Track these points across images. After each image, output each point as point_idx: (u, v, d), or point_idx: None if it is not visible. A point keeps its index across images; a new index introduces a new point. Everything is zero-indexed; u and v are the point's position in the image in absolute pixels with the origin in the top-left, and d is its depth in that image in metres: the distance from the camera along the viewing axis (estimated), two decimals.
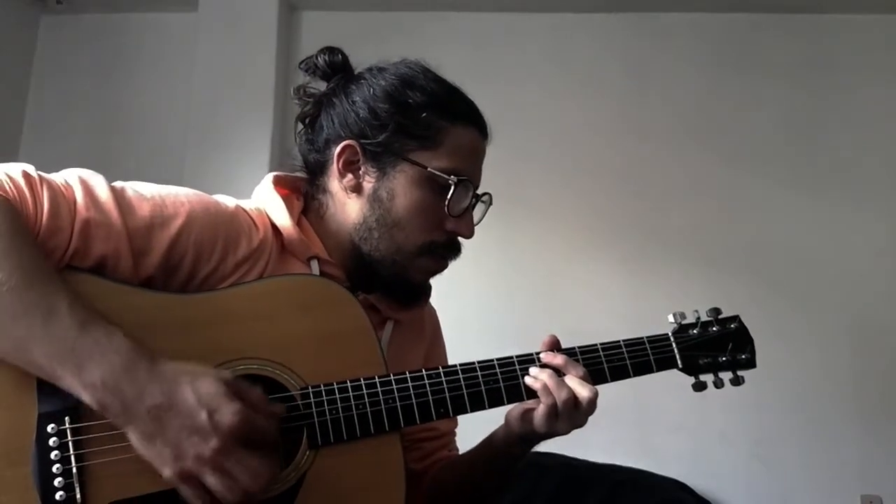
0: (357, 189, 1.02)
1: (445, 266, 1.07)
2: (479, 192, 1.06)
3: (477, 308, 2.86)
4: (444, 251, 1.04)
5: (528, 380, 0.97)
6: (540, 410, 0.95)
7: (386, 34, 3.05)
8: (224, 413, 0.76)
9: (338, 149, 1.01)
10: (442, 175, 0.99)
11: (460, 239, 1.05)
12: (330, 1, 3.16)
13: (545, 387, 0.95)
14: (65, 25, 3.23)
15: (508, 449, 1.04)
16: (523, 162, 3.01)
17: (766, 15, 3.08)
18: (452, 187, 0.99)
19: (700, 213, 2.97)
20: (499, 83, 3.06)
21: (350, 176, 1.02)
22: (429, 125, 1.00)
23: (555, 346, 1.01)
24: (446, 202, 1.00)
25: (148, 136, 3.10)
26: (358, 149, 1.01)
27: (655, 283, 2.86)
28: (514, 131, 3.04)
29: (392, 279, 1.03)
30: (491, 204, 1.08)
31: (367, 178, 1.01)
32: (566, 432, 0.97)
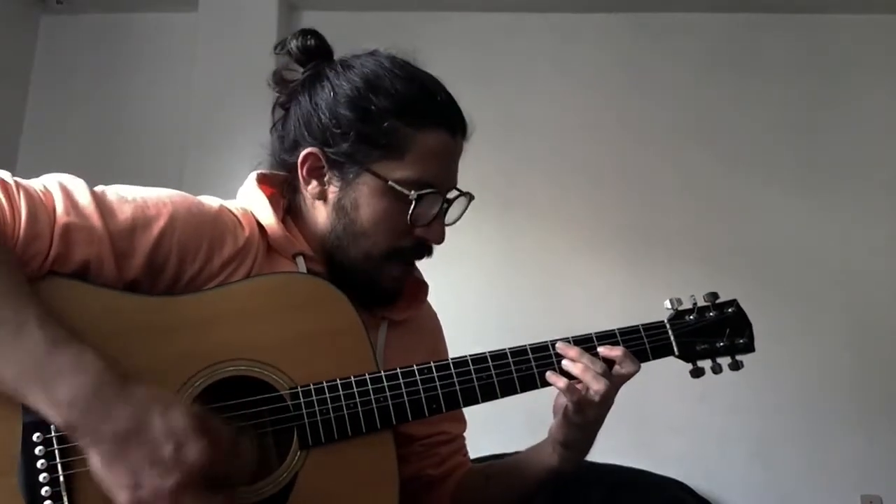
0: (322, 196, 1.00)
1: (412, 271, 1.06)
2: (460, 188, 1.03)
3: (477, 308, 2.85)
4: (412, 256, 1.03)
5: (566, 363, 0.96)
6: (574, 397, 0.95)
7: (386, 34, 3.01)
8: (190, 449, 0.73)
9: (301, 156, 0.99)
10: (402, 190, 0.96)
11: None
12: (330, 1, 3.16)
13: (585, 369, 0.95)
14: (65, 25, 3.23)
15: (539, 456, 1.05)
16: (522, 162, 3.02)
17: (766, 15, 3.08)
18: (413, 203, 0.96)
19: (700, 213, 2.96)
20: (498, 83, 3.07)
21: (315, 183, 1.00)
22: (392, 133, 0.96)
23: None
24: (409, 215, 0.96)
25: (148, 136, 3.09)
26: (321, 157, 0.98)
27: (655, 283, 2.85)
28: (514, 131, 3.04)
29: (363, 285, 1.01)
30: (472, 199, 1.04)
31: (331, 186, 0.99)
32: (596, 416, 0.97)
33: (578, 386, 0.96)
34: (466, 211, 1.05)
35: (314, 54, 1.04)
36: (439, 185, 0.99)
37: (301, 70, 1.05)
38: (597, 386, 0.94)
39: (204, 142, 2.93)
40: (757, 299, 2.86)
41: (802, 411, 2.78)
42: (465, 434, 1.19)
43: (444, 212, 1.02)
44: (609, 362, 0.98)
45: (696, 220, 2.96)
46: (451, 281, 2.76)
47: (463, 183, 1.08)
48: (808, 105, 3.01)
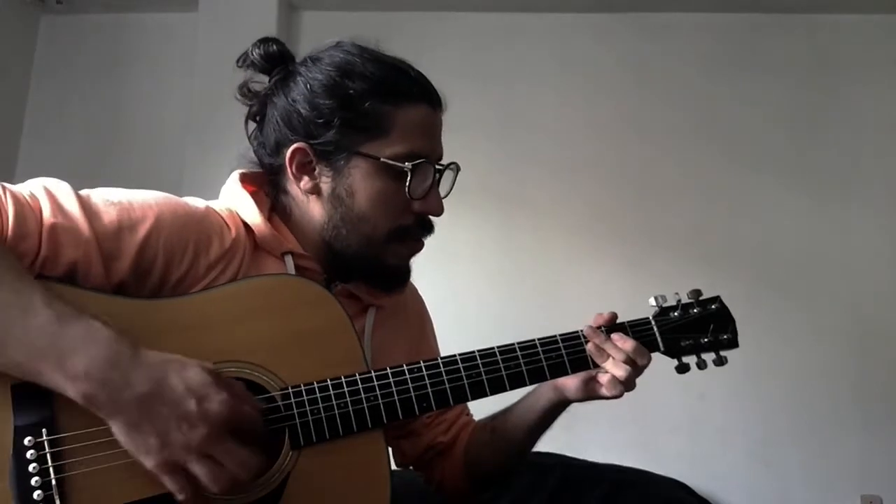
0: (315, 190, 1.00)
1: (421, 247, 1.05)
2: (445, 161, 1.04)
3: (477, 307, 2.86)
4: (415, 233, 1.03)
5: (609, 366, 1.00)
6: (606, 378, 1.00)
7: (386, 34, 3.00)
8: (213, 401, 0.76)
9: (288, 153, 0.99)
10: (396, 164, 0.97)
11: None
12: (330, 1, 3.16)
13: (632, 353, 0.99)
14: (65, 25, 3.23)
15: (553, 413, 1.08)
16: (523, 161, 3.02)
17: (766, 15, 3.08)
18: (409, 174, 0.97)
19: (700, 213, 2.96)
20: (499, 83, 3.07)
21: (306, 178, 1.00)
22: (374, 113, 0.97)
23: (613, 320, 1.04)
24: (406, 188, 0.98)
25: (148, 137, 3.10)
26: (308, 150, 0.98)
27: (655, 282, 2.82)
28: (514, 131, 3.04)
29: (368, 270, 1.03)
30: (459, 170, 1.06)
31: (322, 178, 0.99)
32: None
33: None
34: (455, 187, 1.07)
35: (277, 60, 1.04)
36: (428, 155, 1.00)
37: (267, 79, 1.05)
38: (618, 372, 0.98)
39: (204, 141, 2.92)
40: (758, 299, 2.88)
41: (803, 411, 2.78)
42: None
43: (437, 182, 1.02)
44: None
45: (697, 219, 2.96)
46: (451, 280, 2.77)
47: (463, 182, 1.08)
48: (808, 104, 3.01)
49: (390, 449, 1.06)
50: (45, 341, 0.74)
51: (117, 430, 0.75)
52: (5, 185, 0.83)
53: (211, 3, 3.10)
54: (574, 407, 1.08)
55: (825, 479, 2.72)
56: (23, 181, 0.87)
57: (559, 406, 1.07)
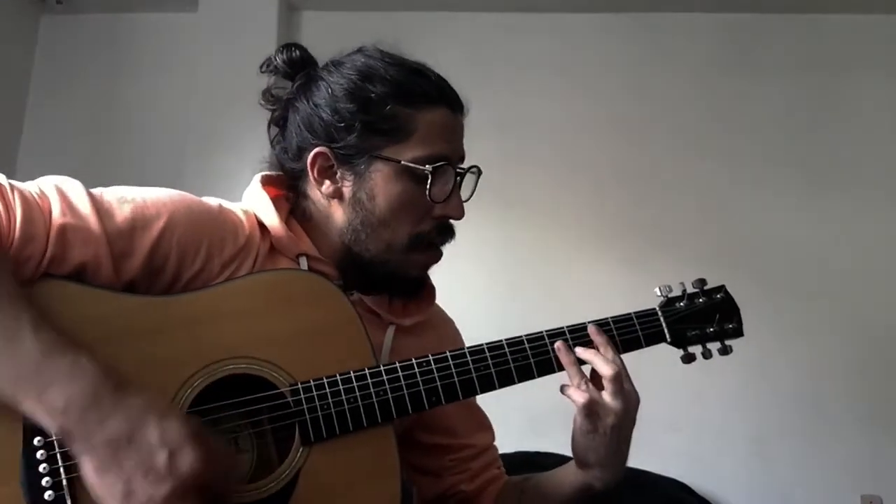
0: (337, 195, 1.00)
1: (440, 256, 1.05)
2: (466, 165, 1.03)
3: (477, 308, 2.84)
4: (435, 239, 1.02)
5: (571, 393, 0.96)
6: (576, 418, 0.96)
7: (386, 34, 3.01)
8: (184, 458, 0.73)
9: (309, 157, 0.99)
10: (417, 167, 0.96)
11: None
12: (330, 1, 3.16)
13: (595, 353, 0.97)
14: (65, 25, 3.23)
15: (567, 473, 1.03)
16: (523, 162, 3.01)
17: (766, 15, 3.08)
18: (430, 177, 0.96)
19: (700, 213, 2.96)
20: (498, 83, 3.07)
21: (328, 182, 1.00)
22: (395, 117, 0.96)
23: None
24: (427, 191, 0.97)
25: (148, 137, 3.10)
26: (330, 154, 0.98)
27: (655, 282, 2.82)
28: (514, 131, 3.04)
29: (388, 277, 1.02)
30: (480, 174, 1.05)
31: (344, 182, 0.99)
32: (613, 423, 0.97)
33: (583, 388, 0.96)
34: (475, 191, 1.06)
35: (300, 65, 1.04)
36: (449, 158, 0.99)
37: (291, 84, 1.05)
38: (607, 370, 0.95)
39: (204, 142, 2.93)
40: (757, 298, 2.86)
41: (802, 411, 2.78)
42: (495, 444, 1.18)
43: (458, 185, 1.02)
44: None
45: (696, 219, 2.96)
46: (451, 280, 2.76)
47: None
48: (807, 105, 3.01)
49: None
50: (29, 371, 0.73)
51: (86, 469, 0.74)
52: (14, 183, 0.82)
53: (211, 3, 3.09)
54: (573, 405, 1.04)
55: (825, 478, 2.72)
56: (23, 181, 0.86)
57: (585, 489, 1.01)
